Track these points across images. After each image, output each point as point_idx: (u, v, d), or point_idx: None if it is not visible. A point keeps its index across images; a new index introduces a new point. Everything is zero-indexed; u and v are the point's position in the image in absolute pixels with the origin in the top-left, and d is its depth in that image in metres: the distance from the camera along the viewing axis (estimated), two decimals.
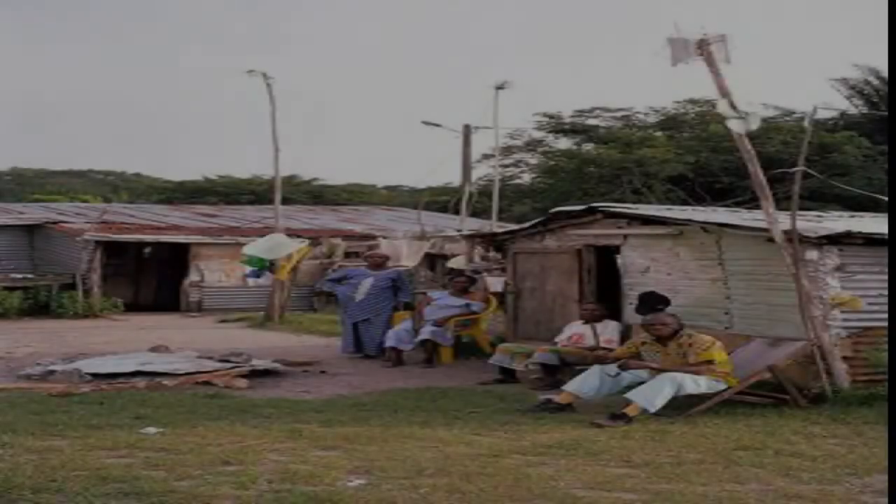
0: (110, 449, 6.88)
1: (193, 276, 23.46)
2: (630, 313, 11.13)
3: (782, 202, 10.55)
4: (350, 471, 6.25)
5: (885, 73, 34.66)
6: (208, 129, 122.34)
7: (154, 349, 13.44)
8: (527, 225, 13.47)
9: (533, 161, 40.13)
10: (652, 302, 9.90)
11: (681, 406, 8.50)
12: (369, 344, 13.78)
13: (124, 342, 15.44)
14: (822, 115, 35.02)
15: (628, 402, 8.30)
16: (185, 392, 9.97)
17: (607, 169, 34.89)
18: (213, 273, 23.53)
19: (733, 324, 10.29)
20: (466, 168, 26.96)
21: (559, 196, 34.11)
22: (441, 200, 34.22)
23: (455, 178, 29.97)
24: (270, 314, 19.67)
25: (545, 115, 38.70)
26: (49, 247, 23.77)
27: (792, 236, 9.19)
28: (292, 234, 21.21)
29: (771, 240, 9.35)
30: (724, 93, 9.28)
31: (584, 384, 8.86)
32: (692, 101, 37.72)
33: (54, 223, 24.14)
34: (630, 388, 8.63)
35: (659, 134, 37.65)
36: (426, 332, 12.83)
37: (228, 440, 7.20)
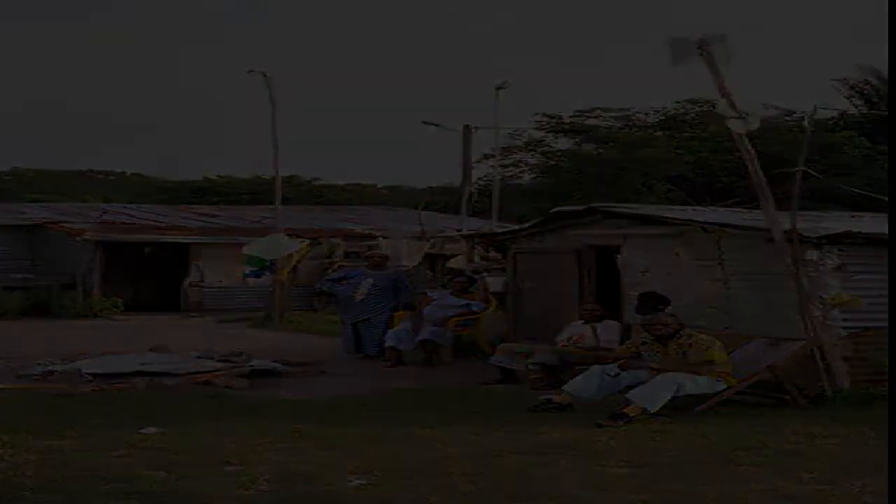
0: (110, 449, 6.88)
1: (193, 276, 23.45)
2: (630, 313, 11.12)
3: (782, 202, 10.55)
4: (350, 471, 6.25)
5: (885, 73, 34.66)
6: (208, 129, 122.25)
7: (154, 349, 13.43)
8: (527, 225, 13.46)
9: (533, 161, 40.10)
10: (652, 302, 9.91)
11: (681, 406, 8.50)
12: (369, 344, 13.78)
13: (124, 342, 15.42)
14: (822, 115, 35.03)
15: (628, 402, 8.31)
16: (185, 392, 9.97)
17: (607, 169, 34.88)
18: (213, 273, 23.51)
19: (733, 324, 10.28)
20: (466, 168, 26.94)
21: (559, 196, 34.08)
22: (441, 200, 34.21)
23: (455, 178, 29.98)
24: (270, 314, 19.67)
25: (545, 115, 38.65)
26: (49, 247, 23.74)
27: (792, 236, 9.19)
28: (292, 234, 21.20)
29: (771, 240, 9.35)
30: (724, 93, 9.28)
31: (583, 384, 8.86)
32: (692, 101, 37.70)
33: (54, 223, 24.11)
34: (630, 388, 8.62)
35: (659, 134, 37.63)
36: (426, 332, 12.82)
37: (228, 440, 7.21)
